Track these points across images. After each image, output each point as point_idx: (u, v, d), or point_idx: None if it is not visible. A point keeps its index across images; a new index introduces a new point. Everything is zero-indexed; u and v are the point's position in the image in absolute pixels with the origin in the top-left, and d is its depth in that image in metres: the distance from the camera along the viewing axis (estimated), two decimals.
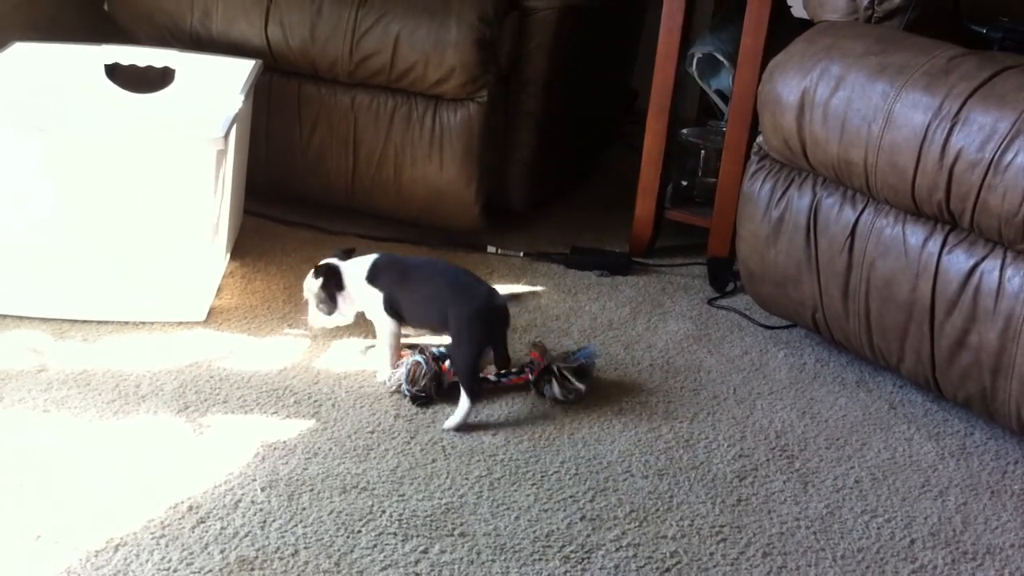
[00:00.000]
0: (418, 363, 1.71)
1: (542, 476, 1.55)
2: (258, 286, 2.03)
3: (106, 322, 1.83)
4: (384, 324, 1.76)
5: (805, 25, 1.97)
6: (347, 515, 1.43)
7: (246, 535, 1.37)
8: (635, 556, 1.40)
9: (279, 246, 2.21)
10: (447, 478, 1.53)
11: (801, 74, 1.81)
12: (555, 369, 1.73)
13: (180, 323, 1.87)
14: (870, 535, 1.48)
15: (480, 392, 1.68)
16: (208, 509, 1.41)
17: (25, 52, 2.14)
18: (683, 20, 2.24)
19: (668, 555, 1.41)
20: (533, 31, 2.30)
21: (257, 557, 1.34)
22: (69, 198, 1.80)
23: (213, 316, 1.91)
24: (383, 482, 1.50)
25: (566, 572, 1.36)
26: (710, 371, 1.88)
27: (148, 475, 1.48)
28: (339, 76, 2.26)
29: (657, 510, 1.50)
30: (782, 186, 1.90)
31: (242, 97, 1.98)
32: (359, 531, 1.40)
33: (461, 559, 1.37)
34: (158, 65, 2.20)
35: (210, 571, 1.30)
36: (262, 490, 1.46)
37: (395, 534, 1.40)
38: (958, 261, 1.64)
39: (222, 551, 1.34)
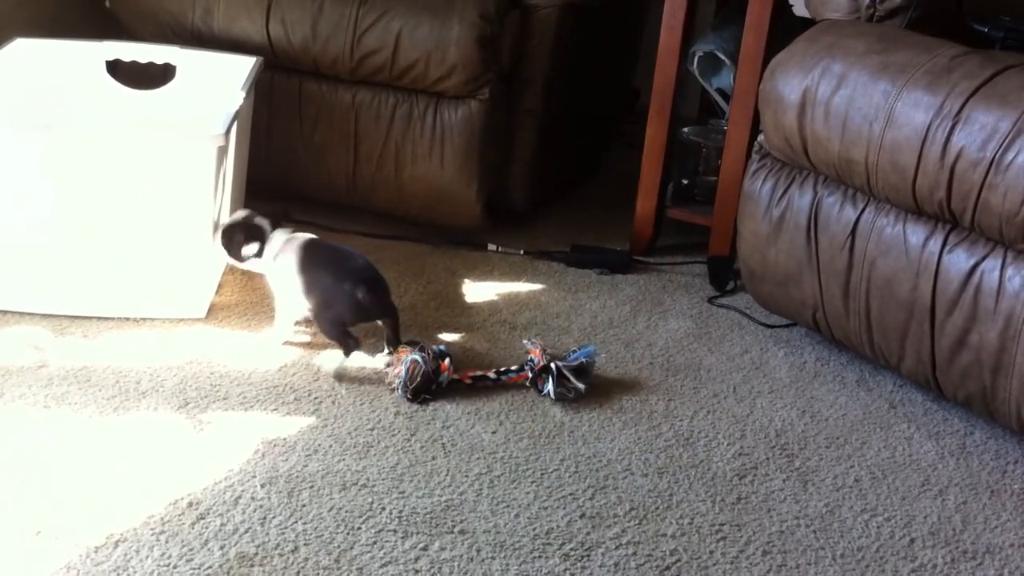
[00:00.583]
0: (416, 361, 1.71)
1: (542, 474, 1.55)
2: (258, 283, 2.02)
3: (107, 318, 1.83)
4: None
5: (806, 24, 1.97)
6: (347, 512, 1.43)
7: (246, 531, 1.37)
8: (635, 554, 1.40)
9: None
10: (447, 475, 1.53)
11: (803, 73, 1.81)
12: (554, 367, 1.73)
13: (180, 320, 1.87)
14: (870, 534, 1.48)
15: (351, 347, 1.76)
16: (208, 505, 1.41)
17: (26, 48, 2.14)
18: (684, 18, 2.24)
19: (668, 553, 1.41)
20: (534, 29, 2.30)
21: (257, 553, 1.34)
22: (69, 194, 1.79)
23: (213, 313, 1.91)
24: (383, 479, 1.50)
25: (566, 570, 1.36)
26: (710, 369, 1.88)
27: (148, 471, 1.48)
28: (340, 73, 2.26)
29: (657, 508, 1.50)
30: (783, 185, 1.90)
31: (243, 94, 1.98)
32: (359, 528, 1.40)
33: (461, 556, 1.37)
34: (159, 62, 2.20)
35: (210, 567, 1.30)
36: (262, 487, 1.46)
37: (395, 531, 1.40)
38: (959, 260, 1.64)
39: (222, 547, 1.34)
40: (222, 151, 1.83)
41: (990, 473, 1.64)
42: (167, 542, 1.34)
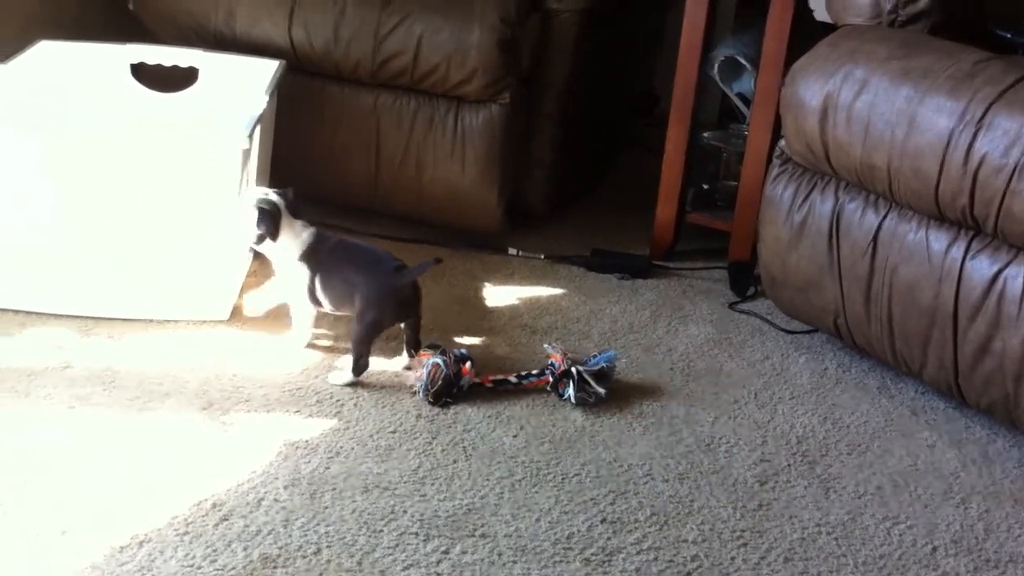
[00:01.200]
0: (438, 364, 1.71)
1: (563, 478, 1.55)
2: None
3: (131, 320, 1.84)
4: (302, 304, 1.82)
5: (827, 29, 1.96)
6: (369, 514, 1.43)
7: (269, 533, 1.38)
8: (656, 559, 1.40)
9: None
10: (468, 479, 1.53)
11: (824, 78, 1.81)
12: (575, 372, 1.74)
13: (203, 322, 1.88)
14: (892, 542, 1.48)
15: (364, 367, 1.74)
16: (231, 507, 1.42)
17: (51, 50, 2.16)
18: (705, 23, 2.24)
19: (689, 559, 1.41)
20: (554, 33, 2.31)
21: (280, 555, 1.34)
22: (94, 197, 1.81)
23: (236, 315, 1.92)
24: (404, 482, 1.51)
25: (587, 574, 1.36)
26: (731, 375, 1.88)
27: (172, 472, 1.49)
28: (362, 77, 2.27)
29: (678, 514, 1.50)
30: (804, 190, 1.89)
31: (267, 97, 1.99)
32: (381, 531, 1.41)
33: (482, 560, 1.37)
34: (183, 65, 2.21)
35: (233, 569, 1.31)
36: (285, 489, 1.47)
37: (416, 534, 1.41)
38: (981, 267, 1.63)
39: (245, 548, 1.35)
40: (246, 154, 1.84)
41: (1013, 481, 1.63)
42: (191, 543, 1.35)
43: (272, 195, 1.80)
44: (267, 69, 2.16)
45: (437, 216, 2.32)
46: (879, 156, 1.72)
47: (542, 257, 2.28)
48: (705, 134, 2.47)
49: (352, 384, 1.73)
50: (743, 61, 2.36)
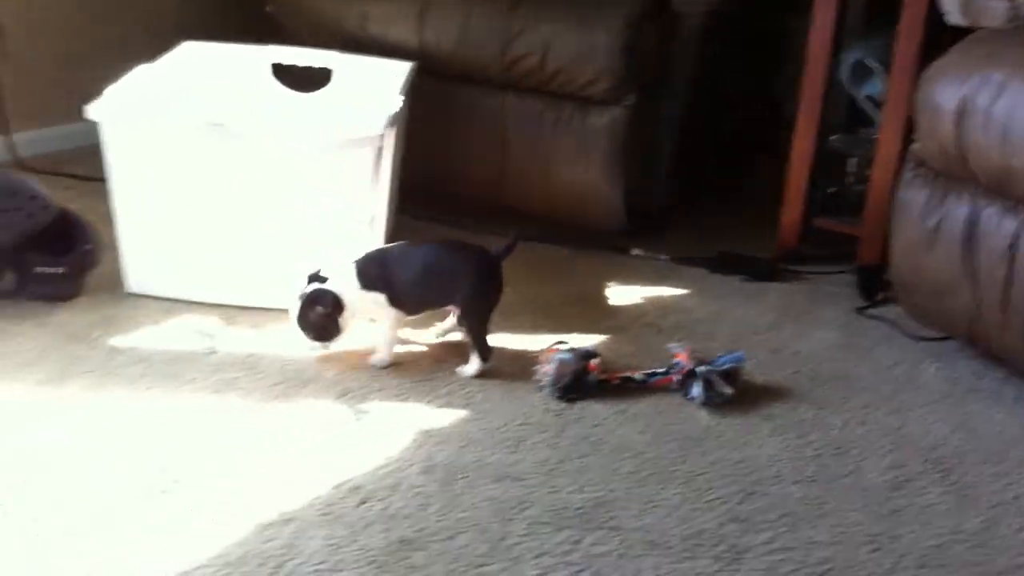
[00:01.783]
0: (565, 360, 1.74)
1: (690, 476, 1.56)
2: None
3: (273, 309, 1.91)
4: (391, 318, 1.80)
5: (958, 32, 1.93)
6: (501, 503, 1.47)
7: (406, 517, 1.42)
8: (786, 560, 1.40)
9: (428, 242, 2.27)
10: (596, 473, 1.55)
11: (960, 81, 1.78)
12: (701, 372, 1.74)
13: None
14: None
15: (489, 351, 1.78)
16: (370, 490, 1.47)
17: (194, 51, 2.26)
18: (833, 26, 2.22)
19: (820, 561, 1.40)
20: (679, 36, 2.32)
21: (417, 538, 1.38)
22: (239, 192, 1.88)
23: None
24: (534, 473, 1.54)
25: (718, 571, 1.37)
26: (860, 381, 1.86)
27: (312, 456, 1.54)
28: (490, 79, 2.31)
29: (808, 516, 1.49)
30: (938, 195, 1.86)
31: (401, 97, 2.05)
32: (513, 519, 1.44)
33: (612, 552, 1.39)
34: (318, 65, 2.28)
35: (373, 549, 1.36)
36: (420, 475, 1.51)
37: (548, 524, 1.43)
38: None
39: (384, 531, 1.39)
40: (380, 152, 1.90)
41: None
42: (332, 524, 1.40)
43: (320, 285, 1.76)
44: (399, 70, 2.22)
45: (561, 215, 2.35)
46: (1018, 161, 1.68)
47: (667, 258, 2.29)
48: (832, 138, 2.44)
49: (481, 374, 1.77)
50: (873, 64, 2.33)
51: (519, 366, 1.82)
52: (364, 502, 1.45)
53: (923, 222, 1.87)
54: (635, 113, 2.26)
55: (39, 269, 1.91)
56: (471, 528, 1.41)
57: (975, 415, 1.77)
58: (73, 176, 2.46)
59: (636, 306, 2.09)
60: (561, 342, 1.81)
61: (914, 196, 1.90)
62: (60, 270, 1.91)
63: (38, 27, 2.65)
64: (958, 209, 1.82)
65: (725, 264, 2.26)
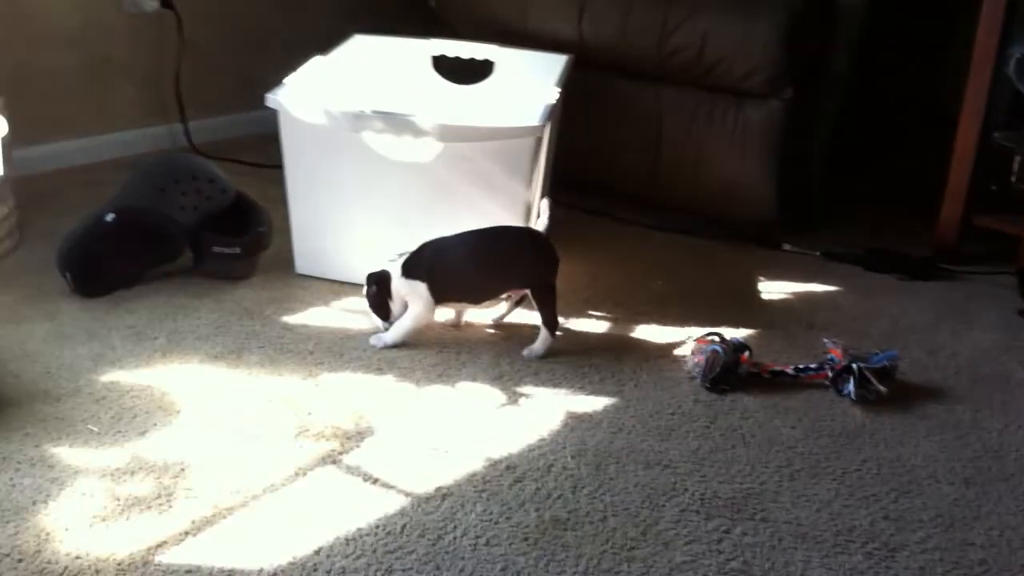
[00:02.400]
0: (716, 352, 1.75)
1: (843, 472, 1.56)
2: (562, 269, 2.12)
3: None
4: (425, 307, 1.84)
5: None
6: (651, 489, 1.50)
7: (558, 497, 1.47)
8: (941, 560, 1.39)
9: (580, 233, 2.32)
10: (747, 464, 1.57)
11: None
12: (855, 368, 1.73)
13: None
14: None
15: (558, 326, 1.83)
16: (524, 470, 1.52)
17: (364, 44, 2.35)
18: (1002, 20, 2.16)
19: (976, 563, 1.39)
20: (839, 26, 2.28)
21: (569, 519, 1.43)
22: (402, 180, 1.96)
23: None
24: (684, 462, 1.56)
25: (870, 567, 1.37)
26: (1021, 384, 1.82)
27: (468, 433, 1.61)
28: (645, 71, 2.33)
29: (964, 517, 1.47)
30: None
31: (559, 89, 2.09)
32: (663, 505, 1.47)
33: (763, 543, 1.40)
34: (479, 58, 2.35)
35: (527, 526, 1.41)
36: (572, 458, 1.56)
37: (698, 512, 1.46)
38: None
39: (537, 510, 1.44)
40: (538, 142, 1.94)
41: None
42: (488, 500, 1.46)
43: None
44: (556, 63, 2.26)
45: (713, 208, 2.36)
46: None
47: (818, 254, 2.27)
48: (996, 134, 2.37)
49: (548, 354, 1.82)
50: None
51: (670, 357, 1.84)
52: (518, 481, 1.50)
53: None
54: (791, 105, 2.24)
55: (216, 248, 2.03)
56: (622, 512, 1.45)
57: None
58: (242, 163, 2.60)
59: (787, 301, 2.08)
60: (713, 334, 1.83)
61: None
62: (236, 250, 2.03)
63: (215, 19, 2.80)
64: None
65: (879, 261, 2.22)
